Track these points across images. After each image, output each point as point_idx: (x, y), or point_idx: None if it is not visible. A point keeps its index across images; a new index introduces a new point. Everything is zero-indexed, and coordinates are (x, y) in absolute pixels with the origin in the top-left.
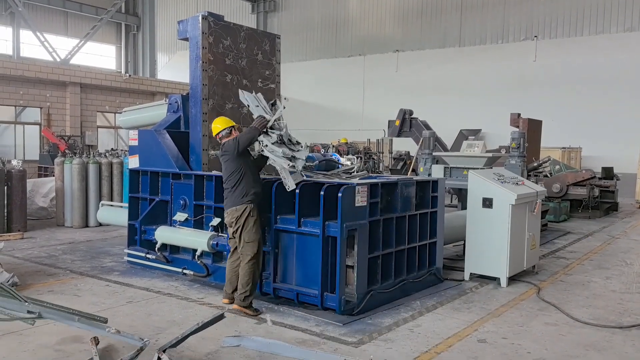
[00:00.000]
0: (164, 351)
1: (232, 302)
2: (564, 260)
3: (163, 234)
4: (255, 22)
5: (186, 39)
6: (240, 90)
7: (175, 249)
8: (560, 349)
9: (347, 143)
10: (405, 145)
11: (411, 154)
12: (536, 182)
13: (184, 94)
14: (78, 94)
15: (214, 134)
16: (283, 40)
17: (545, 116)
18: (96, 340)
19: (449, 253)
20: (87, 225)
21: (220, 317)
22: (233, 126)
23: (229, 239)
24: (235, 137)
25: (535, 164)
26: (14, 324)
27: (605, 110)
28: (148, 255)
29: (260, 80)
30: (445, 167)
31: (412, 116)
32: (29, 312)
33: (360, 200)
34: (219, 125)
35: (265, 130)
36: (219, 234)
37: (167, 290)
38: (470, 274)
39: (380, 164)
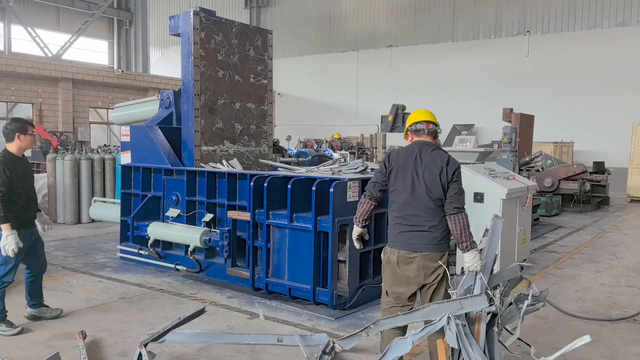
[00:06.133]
0: (145, 345)
1: None
2: (555, 254)
3: (155, 230)
4: (248, 17)
5: (178, 35)
6: None
7: (167, 244)
8: (550, 342)
9: (340, 138)
10: (399, 140)
11: None
12: (528, 177)
13: (176, 90)
14: (70, 90)
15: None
16: (276, 35)
17: (538, 111)
18: (83, 334)
19: None
20: (79, 222)
21: (201, 311)
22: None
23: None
24: None
25: (527, 159)
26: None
27: (597, 105)
28: (141, 251)
29: (252, 75)
30: None
31: (405, 111)
32: None
33: (352, 195)
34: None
35: None
36: (212, 230)
37: (159, 286)
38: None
39: (374, 159)
